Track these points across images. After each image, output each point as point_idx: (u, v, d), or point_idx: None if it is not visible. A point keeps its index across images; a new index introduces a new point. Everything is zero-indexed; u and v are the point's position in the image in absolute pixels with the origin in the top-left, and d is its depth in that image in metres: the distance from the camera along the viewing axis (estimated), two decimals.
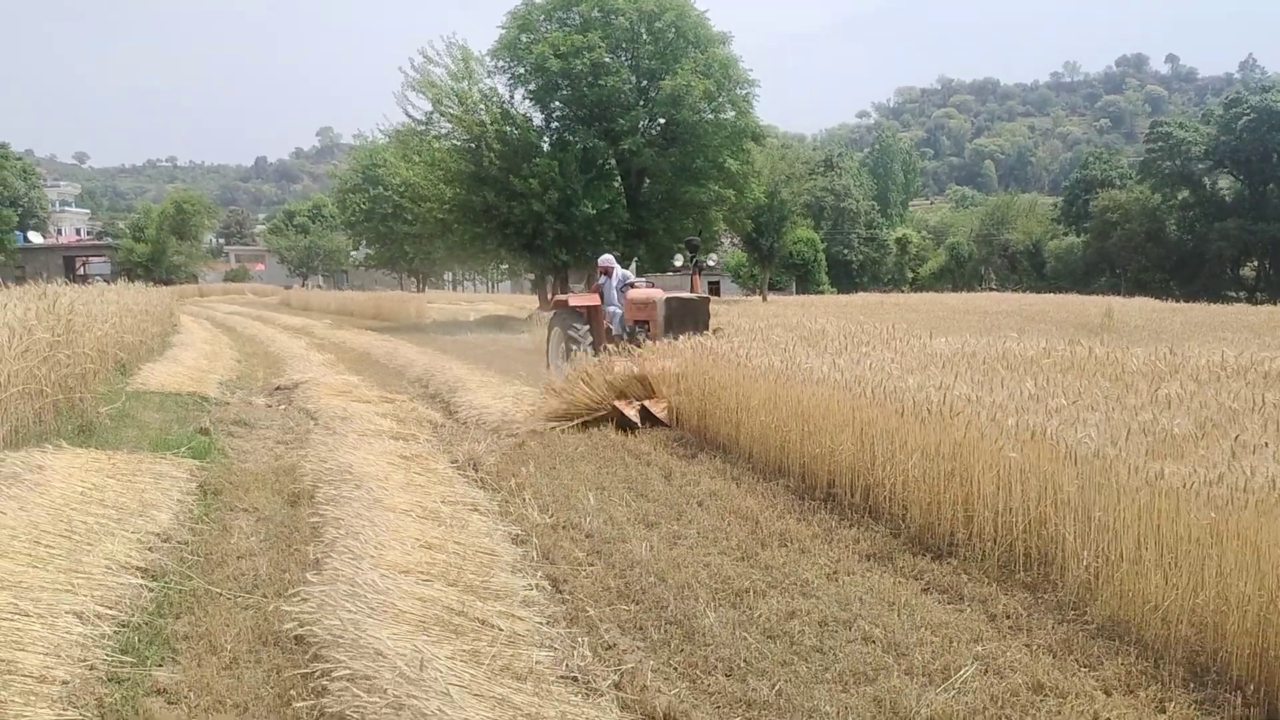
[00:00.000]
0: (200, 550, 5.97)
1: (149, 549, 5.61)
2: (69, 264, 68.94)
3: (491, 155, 28.30)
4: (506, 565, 5.59)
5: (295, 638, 4.51)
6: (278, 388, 14.03)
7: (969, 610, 5.03)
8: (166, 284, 45.39)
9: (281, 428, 10.75)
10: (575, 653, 4.36)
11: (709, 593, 5.28)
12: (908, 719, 3.86)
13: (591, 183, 29.40)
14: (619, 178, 31.17)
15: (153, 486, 6.91)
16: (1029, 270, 69.23)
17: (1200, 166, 61.59)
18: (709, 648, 4.56)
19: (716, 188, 30.36)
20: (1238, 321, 24.79)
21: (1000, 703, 3.97)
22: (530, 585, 5.29)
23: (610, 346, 11.62)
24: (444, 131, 30.77)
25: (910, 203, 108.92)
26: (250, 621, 4.85)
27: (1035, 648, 4.53)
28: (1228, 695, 3.97)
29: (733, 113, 30.61)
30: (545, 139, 31.04)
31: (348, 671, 3.85)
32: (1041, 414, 5.75)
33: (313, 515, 6.65)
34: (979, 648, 4.52)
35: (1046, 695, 4.05)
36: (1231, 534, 4.11)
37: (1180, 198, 62.33)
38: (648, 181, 31.77)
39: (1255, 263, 62.80)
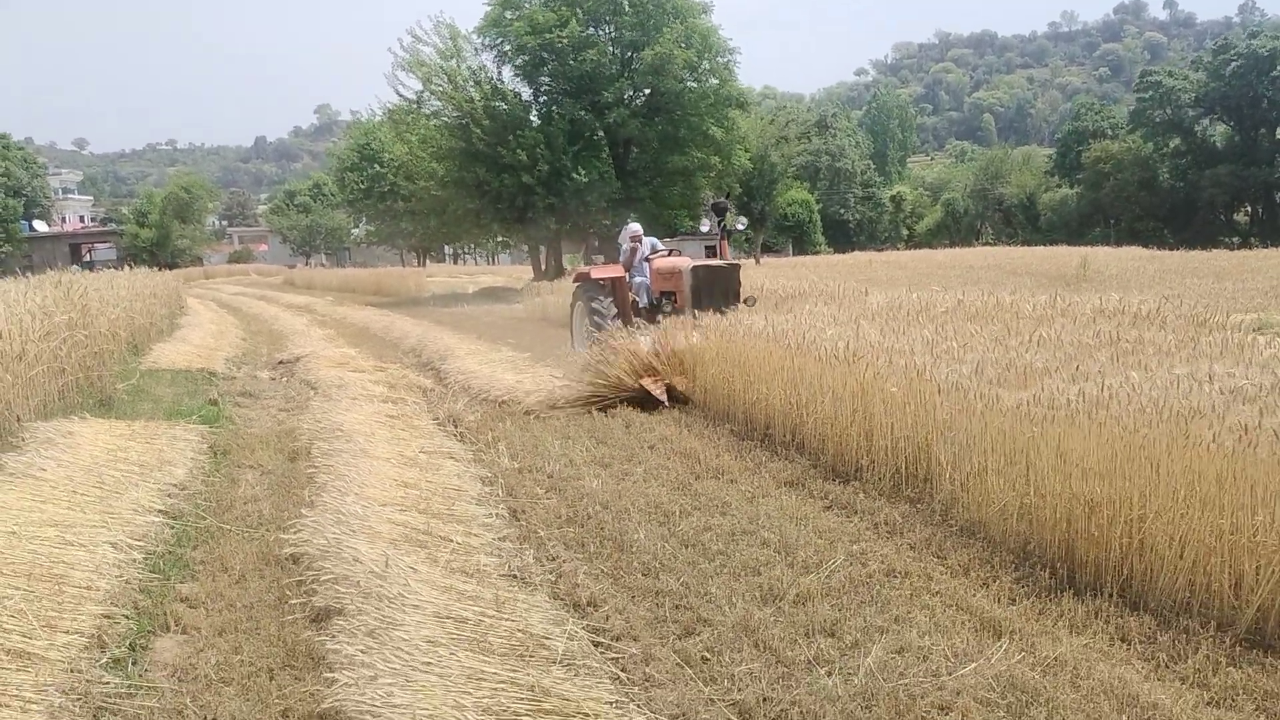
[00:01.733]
0: (212, 497, 6.95)
1: (169, 496, 6.58)
2: (75, 251, 70.05)
3: (479, 131, 28.98)
4: (472, 499, 6.56)
5: (291, 558, 5.49)
6: (280, 362, 15.00)
7: (857, 520, 5.98)
8: (172, 268, 46.34)
9: (284, 397, 11.71)
10: (519, 559, 5.33)
11: (642, 515, 6.23)
12: (780, 597, 4.81)
13: (580, 154, 30.08)
14: (607, 148, 31.83)
15: (169, 448, 7.88)
16: (1024, 223, 69.76)
17: (1191, 114, 61.76)
18: (633, 555, 5.51)
19: (701, 155, 31.04)
20: (1208, 267, 25.56)
21: (856, 583, 4.93)
22: (491, 514, 6.26)
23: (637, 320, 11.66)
24: (435, 109, 31.47)
25: (909, 159, 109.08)
26: (255, 549, 5.82)
27: (901, 546, 5.49)
28: (1040, 571, 4.91)
29: (715, 81, 31.18)
30: (534, 113, 31.69)
31: (331, 576, 4.83)
32: (929, 355, 6.66)
33: (309, 467, 7.61)
34: (855, 547, 5.47)
35: (896, 577, 5.01)
36: (1047, 442, 5.04)
37: (1172, 146, 62.53)
38: (635, 151, 32.43)
39: (1248, 208, 63.14)
